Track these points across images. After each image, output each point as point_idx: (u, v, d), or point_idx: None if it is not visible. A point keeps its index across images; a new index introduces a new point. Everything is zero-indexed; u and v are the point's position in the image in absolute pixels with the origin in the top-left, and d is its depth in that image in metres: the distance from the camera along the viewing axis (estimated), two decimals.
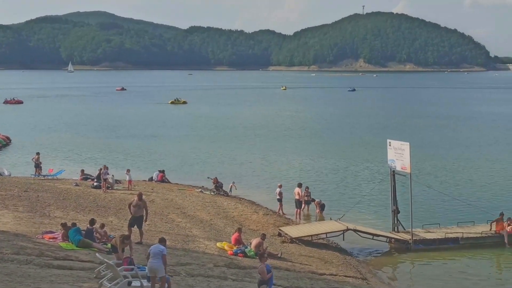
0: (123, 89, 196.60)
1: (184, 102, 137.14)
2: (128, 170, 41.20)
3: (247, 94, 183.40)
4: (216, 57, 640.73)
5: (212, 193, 40.72)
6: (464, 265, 28.93)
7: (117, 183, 40.84)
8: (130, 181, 39.93)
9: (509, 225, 31.28)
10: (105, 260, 19.24)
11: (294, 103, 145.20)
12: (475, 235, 31.35)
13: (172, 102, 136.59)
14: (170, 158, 59.97)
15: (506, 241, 30.89)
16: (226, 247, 26.48)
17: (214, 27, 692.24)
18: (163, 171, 45.84)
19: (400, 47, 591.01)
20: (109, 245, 22.97)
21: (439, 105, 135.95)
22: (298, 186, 37.11)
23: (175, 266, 21.45)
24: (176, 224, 30.81)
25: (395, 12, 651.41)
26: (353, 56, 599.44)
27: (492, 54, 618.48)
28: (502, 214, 31.81)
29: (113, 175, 40.61)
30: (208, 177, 44.03)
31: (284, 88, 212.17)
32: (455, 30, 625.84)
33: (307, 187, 37.96)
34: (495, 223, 31.67)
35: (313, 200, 38.04)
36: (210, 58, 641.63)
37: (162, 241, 18.82)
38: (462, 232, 31.40)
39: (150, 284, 18.31)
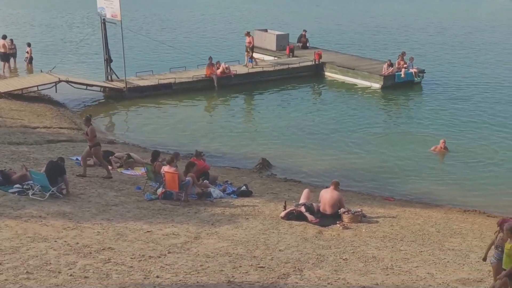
0: None
1: None
2: None
3: None
4: None
5: None
6: (178, 108, 29.95)
7: None
8: None
9: (218, 68, 32.66)
10: None
11: None
12: (187, 80, 32.31)
13: None
14: None
15: (215, 84, 32.32)
16: None
17: None
18: None
19: None
20: None
21: None
22: (2, 38, 34.69)
23: None
24: None
25: None
26: None
27: None
28: (210, 58, 32.93)
29: None
30: None
31: None
32: None
33: (12, 39, 35.58)
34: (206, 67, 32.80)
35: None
36: None
37: None
38: (175, 78, 32.18)
39: None
